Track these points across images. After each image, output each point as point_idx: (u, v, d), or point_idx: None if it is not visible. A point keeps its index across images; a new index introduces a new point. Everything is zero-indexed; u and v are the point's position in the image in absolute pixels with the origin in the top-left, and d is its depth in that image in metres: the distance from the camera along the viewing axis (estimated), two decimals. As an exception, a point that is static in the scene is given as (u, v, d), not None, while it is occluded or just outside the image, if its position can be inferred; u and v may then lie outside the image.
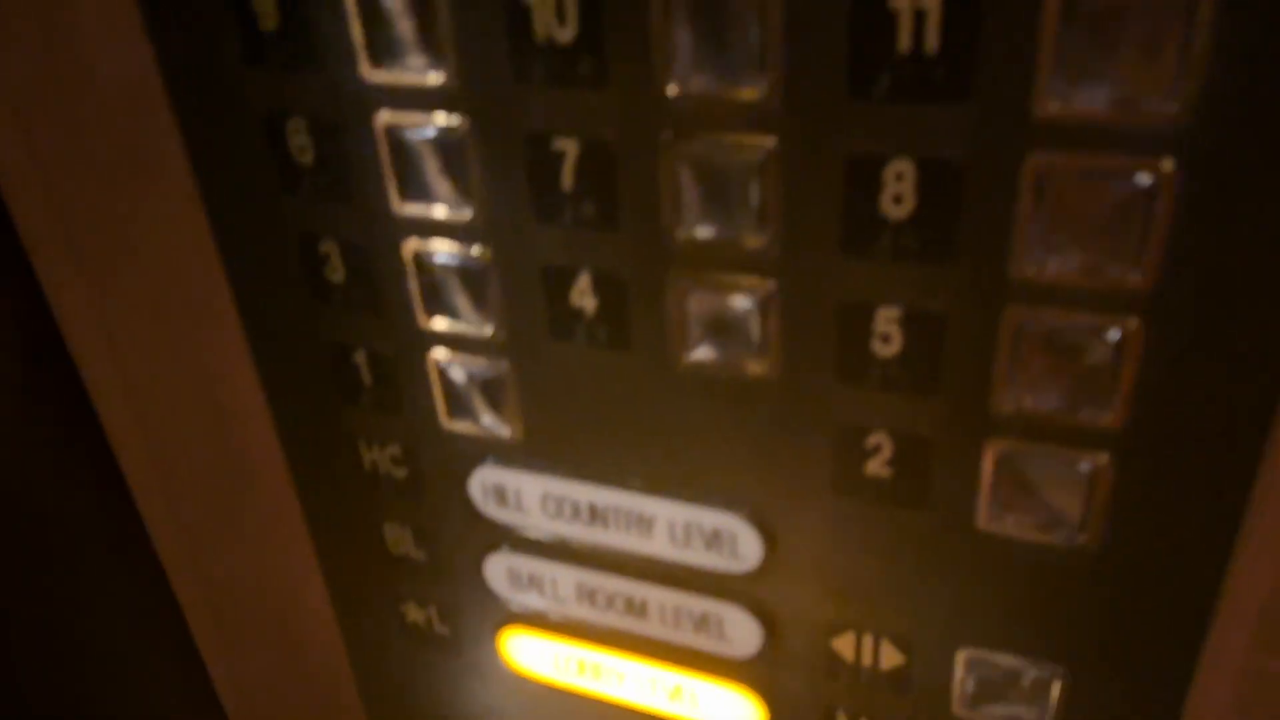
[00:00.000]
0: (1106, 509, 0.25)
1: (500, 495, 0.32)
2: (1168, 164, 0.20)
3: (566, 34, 0.23)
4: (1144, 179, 0.20)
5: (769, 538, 0.30)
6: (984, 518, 0.26)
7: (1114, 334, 0.23)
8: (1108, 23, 0.19)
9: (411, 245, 0.28)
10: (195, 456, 0.38)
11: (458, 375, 0.30)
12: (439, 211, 0.27)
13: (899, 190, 0.22)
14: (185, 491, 0.40)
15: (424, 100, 0.25)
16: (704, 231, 0.25)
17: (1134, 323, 0.22)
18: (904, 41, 0.20)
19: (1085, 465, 0.25)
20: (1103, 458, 0.24)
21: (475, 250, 0.27)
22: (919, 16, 0.20)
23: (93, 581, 0.42)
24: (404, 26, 0.24)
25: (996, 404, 0.24)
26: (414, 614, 0.38)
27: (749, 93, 0.22)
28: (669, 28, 0.22)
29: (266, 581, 0.41)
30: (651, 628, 0.33)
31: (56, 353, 0.37)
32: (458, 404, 0.31)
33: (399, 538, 0.36)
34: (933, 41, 0.20)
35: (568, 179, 0.25)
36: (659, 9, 0.22)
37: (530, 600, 0.35)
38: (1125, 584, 0.26)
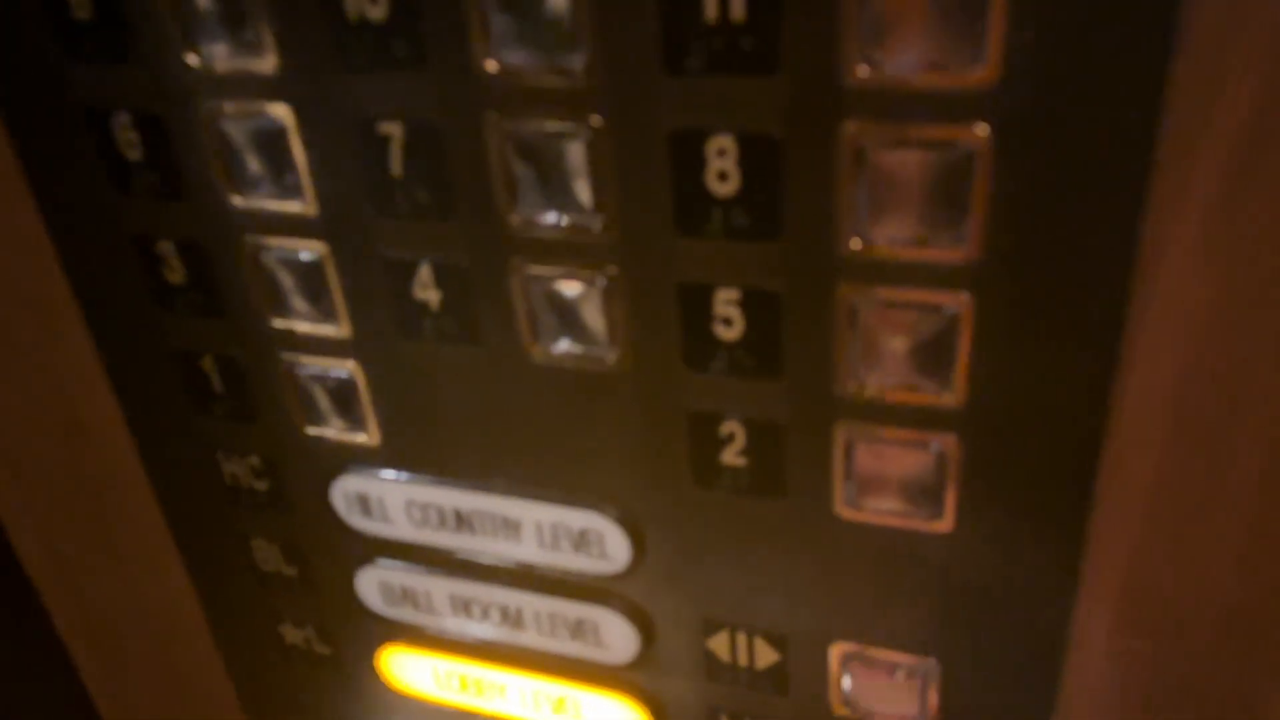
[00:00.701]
0: (957, 490, 0.25)
1: (364, 505, 0.31)
2: (982, 129, 0.20)
3: (379, 12, 0.22)
4: (960, 145, 0.20)
5: (636, 536, 0.29)
6: (841, 504, 0.26)
7: (948, 309, 0.22)
8: (901, -17, 0.19)
9: (248, 242, 0.27)
10: (59, 478, 0.36)
11: (309, 378, 0.29)
12: (274, 205, 0.26)
13: (723, 166, 0.22)
14: (52, 514, 0.38)
15: (250, 88, 0.24)
16: (540, 216, 0.24)
17: (965, 297, 0.22)
18: (711, 12, 0.20)
19: (933, 446, 0.24)
20: (949, 438, 0.24)
21: (314, 245, 0.26)
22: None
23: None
24: (220, 11, 0.23)
25: (841, 386, 0.24)
26: (291, 635, 0.37)
27: (565, 70, 0.22)
28: (483, 2, 0.21)
29: (143, 603, 0.40)
30: (529, 637, 0.32)
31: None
32: (313, 409, 0.30)
33: (267, 554, 0.34)
34: (738, 11, 0.20)
35: (397, 165, 0.24)
36: (471, -15, 0.21)
37: (405, 615, 0.34)
38: (985, 567, 0.26)
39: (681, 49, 0.21)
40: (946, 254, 0.21)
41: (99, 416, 0.34)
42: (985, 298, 0.22)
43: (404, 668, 0.35)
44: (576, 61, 0.21)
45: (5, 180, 0.29)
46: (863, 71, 0.20)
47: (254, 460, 0.32)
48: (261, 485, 0.32)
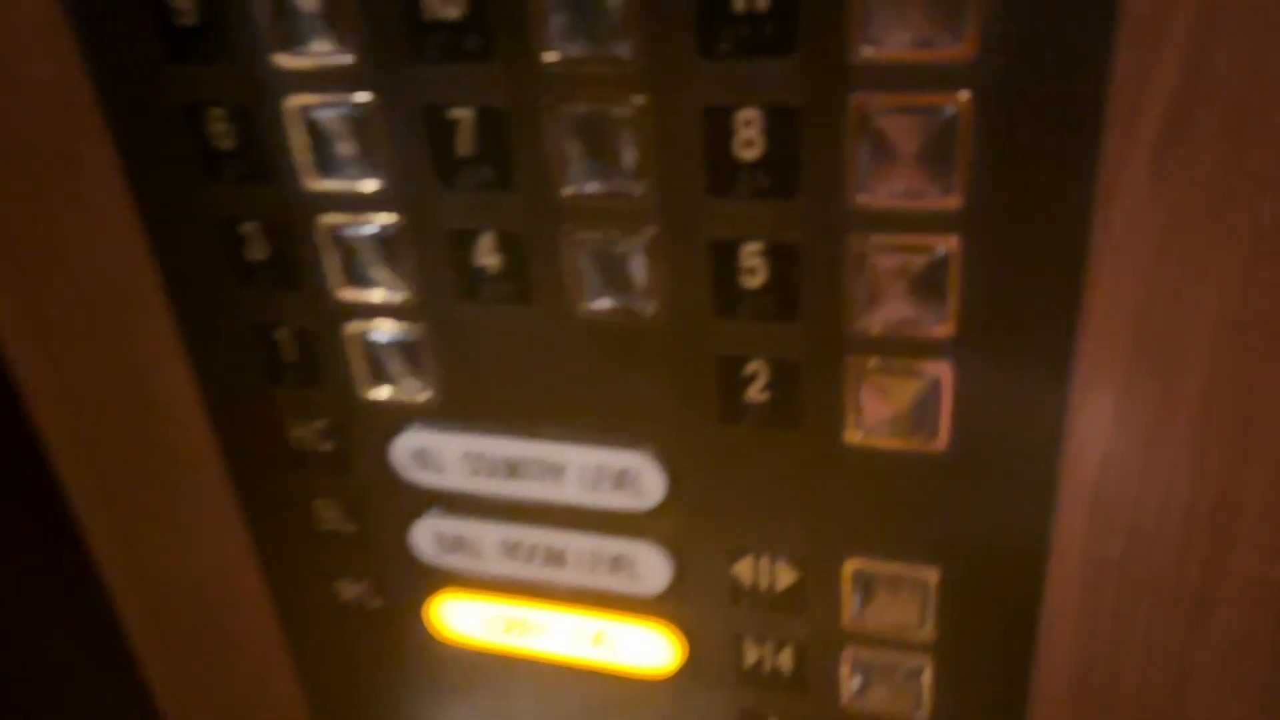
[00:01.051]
0: (952, 414, 0.29)
1: (422, 459, 0.35)
2: (964, 95, 0.24)
3: (454, 12, 0.26)
4: (946, 109, 0.24)
5: (670, 473, 0.33)
6: (851, 432, 0.30)
7: (939, 251, 0.26)
8: (896, -25, 0.23)
9: (325, 220, 0.31)
10: (130, 452, 0.40)
11: (377, 343, 0.33)
12: (349, 184, 0.30)
13: (749, 135, 0.26)
14: (119, 489, 0.41)
15: (332, 80, 0.28)
16: (588, 186, 0.28)
17: (954, 239, 0.26)
18: (740, 4, 0.24)
19: (929, 373, 0.28)
20: (944, 365, 0.28)
21: (384, 219, 0.30)
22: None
23: (22, 582, 0.43)
24: (310, 14, 0.27)
25: (849, 324, 0.28)
26: (346, 591, 0.40)
27: (614, 58, 0.26)
28: (544, 2, 0.25)
29: (202, 574, 0.43)
30: (571, 575, 0.36)
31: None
32: (378, 372, 0.33)
33: (328, 514, 0.38)
34: (762, 2, 0.24)
35: (464, 145, 0.28)
36: (533, -13, 0.25)
37: (456, 562, 0.37)
38: (978, 482, 0.30)
39: (714, 35, 0.25)
40: (938, 203, 0.26)
41: (173, 393, 0.37)
42: (971, 239, 0.26)
43: (452, 614, 0.39)
44: (624, 49, 0.25)
45: (104, 174, 0.32)
46: (866, 50, 0.24)
47: (320, 424, 0.35)
48: (327, 447, 0.36)
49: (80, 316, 0.36)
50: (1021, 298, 0.26)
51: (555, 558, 0.36)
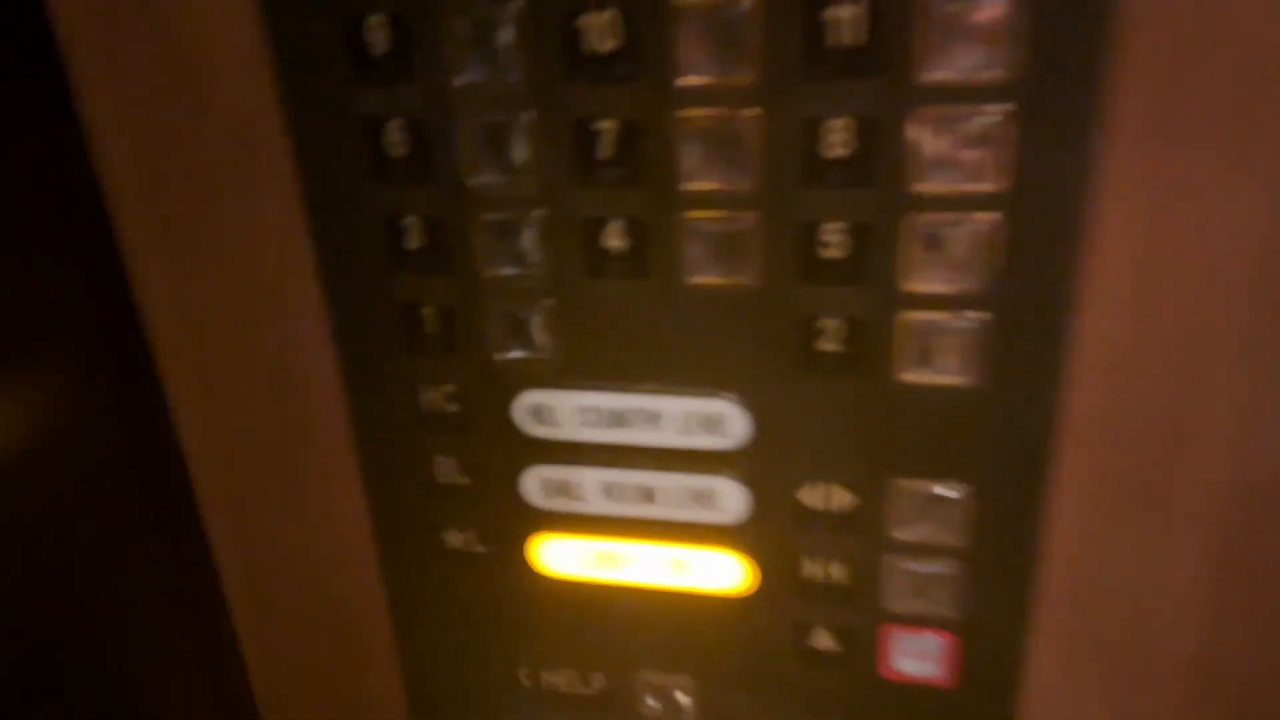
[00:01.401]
0: (983, 357, 0.37)
1: (539, 414, 0.42)
2: (1009, 106, 0.33)
3: (609, 46, 0.33)
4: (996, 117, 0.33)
5: (751, 416, 0.40)
6: (901, 372, 0.38)
7: (981, 224, 0.35)
8: (961, 20, 0.31)
9: (479, 215, 0.38)
10: (257, 426, 0.46)
11: (509, 315, 0.40)
12: (501, 183, 0.37)
13: (836, 139, 0.34)
14: (242, 459, 0.47)
15: (498, 99, 0.36)
16: (698, 183, 0.36)
17: (996, 217, 0.35)
18: (838, 37, 0.32)
19: (964, 324, 0.37)
20: (979, 316, 0.36)
21: (530, 214, 0.37)
22: (849, 20, 0.32)
23: (130, 541, 0.48)
24: (482, 43, 0.35)
25: (899, 284, 0.36)
26: (454, 540, 0.46)
27: (738, 79, 0.34)
28: (671, 34, 0.33)
29: (309, 539, 0.48)
30: (660, 510, 0.43)
31: (135, 337, 0.44)
32: (508, 339, 0.40)
33: (446, 469, 0.44)
34: (861, 35, 0.32)
35: (605, 150, 0.35)
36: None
37: (559, 505, 0.44)
38: (1005, 414, 0.38)
39: (819, 60, 0.33)
40: (985, 187, 0.34)
41: (311, 368, 0.43)
42: (1011, 217, 0.34)
43: (550, 553, 0.46)
44: (745, 73, 0.33)
45: (277, 178, 0.39)
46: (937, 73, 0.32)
47: (449, 388, 0.42)
48: (453, 408, 0.43)
49: (232, 302, 0.42)
50: (1034, 257, 0.35)
51: (646, 495, 0.43)
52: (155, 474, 0.48)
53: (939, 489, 0.40)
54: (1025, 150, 0.33)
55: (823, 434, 0.40)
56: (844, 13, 0.32)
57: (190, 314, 0.43)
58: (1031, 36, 0.31)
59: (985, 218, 0.34)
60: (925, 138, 0.34)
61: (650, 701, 0.49)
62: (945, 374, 0.38)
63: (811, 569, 0.43)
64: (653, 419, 0.41)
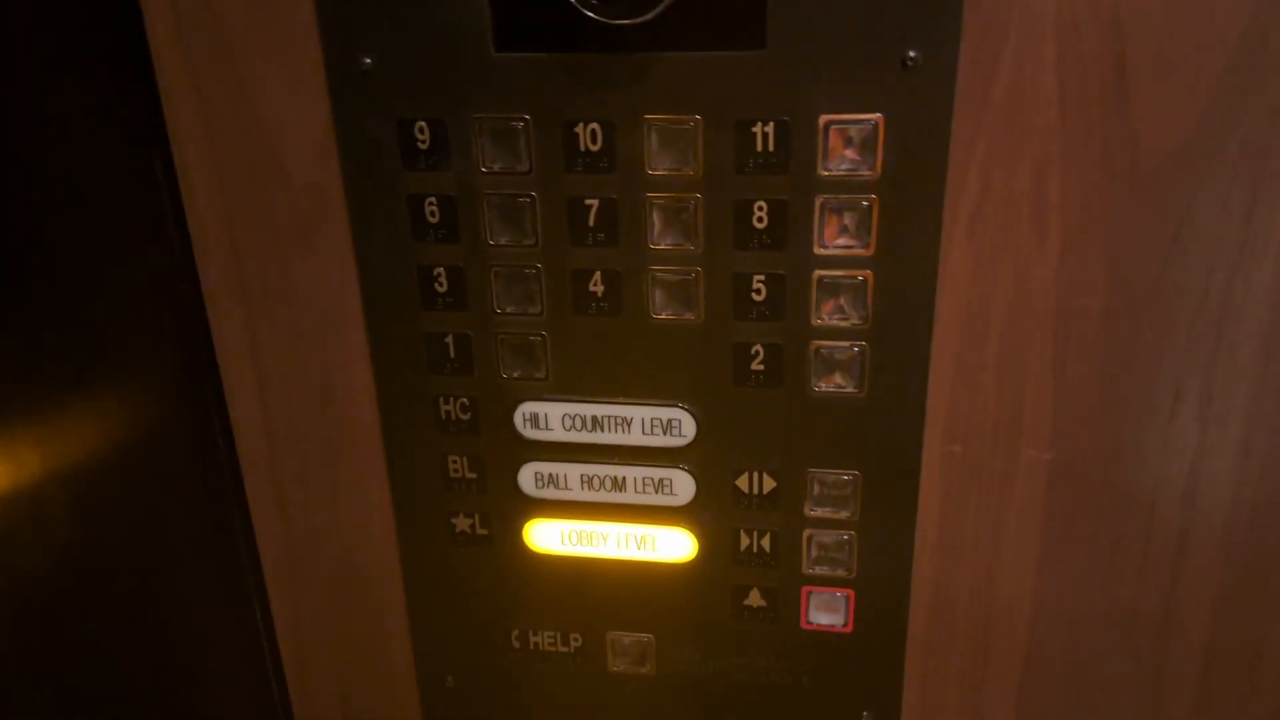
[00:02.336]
0: (867, 373, 0.50)
1: (533, 420, 0.54)
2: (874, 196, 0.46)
3: (594, 147, 0.46)
4: (866, 202, 0.46)
5: (699, 420, 0.53)
6: (812, 385, 0.51)
7: (858, 279, 0.48)
8: (844, 135, 0.45)
9: (493, 267, 0.50)
10: (304, 433, 0.57)
11: (513, 342, 0.52)
12: (510, 244, 0.49)
13: (761, 214, 0.47)
14: (289, 464, 0.58)
15: (507, 183, 0.48)
16: (662, 246, 0.48)
17: (869, 272, 0.48)
18: (759, 148, 0.45)
19: (854, 350, 0.50)
20: (864, 343, 0.49)
21: (529, 261, 0.50)
22: (766, 135, 0.45)
23: (180, 527, 0.59)
24: (500, 142, 0.47)
25: (810, 320, 0.49)
26: (461, 524, 0.58)
27: (686, 173, 0.46)
28: (642, 137, 0.46)
29: (342, 526, 0.59)
30: (627, 496, 0.55)
31: (210, 364, 0.55)
32: (511, 362, 0.52)
33: (458, 466, 0.56)
34: (774, 145, 0.45)
35: (591, 221, 0.48)
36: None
37: (547, 493, 0.56)
38: (884, 416, 0.51)
39: (742, 162, 0.46)
40: (862, 251, 0.47)
41: (353, 384, 0.55)
42: (879, 273, 0.48)
43: (540, 534, 0.57)
44: (691, 169, 0.46)
45: (335, 235, 0.50)
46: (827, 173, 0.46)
47: (464, 400, 0.54)
48: (465, 416, 0.54)
49: (290, 334, 0.54)
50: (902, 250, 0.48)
51: (617, 484, 0.55)
52: (213, 474, 0.59)
53: (839, 474, 0.53)
54: (885, 226, 0.46)
55: (754, 434, 0.53)
56: (763, 130, 0.45)
57: (256, 343, 0.54)
58: (890, 149, 0.45)
59: (863, 273, 0.48)
60: (821, 215, 0.47)
61: (618, 655, 0.60)
62: (842, 386, 0.51)
63: (746, 541, 0.56)
64: (623, 423, 0.53)
